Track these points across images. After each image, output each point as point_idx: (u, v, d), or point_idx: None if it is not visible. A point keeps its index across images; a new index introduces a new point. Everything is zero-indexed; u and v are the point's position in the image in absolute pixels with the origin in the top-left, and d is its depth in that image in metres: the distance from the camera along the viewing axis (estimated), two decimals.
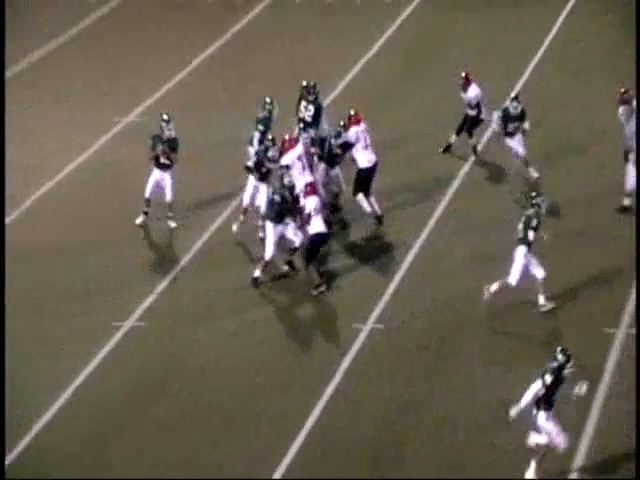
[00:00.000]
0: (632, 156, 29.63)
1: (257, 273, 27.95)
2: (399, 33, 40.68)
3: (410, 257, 28.77)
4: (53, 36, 41.80)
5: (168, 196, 29.87)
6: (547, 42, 38.99)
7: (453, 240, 29.37)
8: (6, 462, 22.58)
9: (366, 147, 29.88)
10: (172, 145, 29.75)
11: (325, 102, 33.86)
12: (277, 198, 27.55)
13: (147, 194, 29.78)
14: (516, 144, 31.04)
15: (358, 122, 29.93)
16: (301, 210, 27.72)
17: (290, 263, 28.27)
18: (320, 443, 23.15)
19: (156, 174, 29.83)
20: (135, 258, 29.34)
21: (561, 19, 40.39)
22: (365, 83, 37.28)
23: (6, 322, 26.65)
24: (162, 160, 29.64)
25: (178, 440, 23.44)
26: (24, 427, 23.92)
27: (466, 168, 32.27)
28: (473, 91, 32.13)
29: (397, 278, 28.09)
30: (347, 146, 29.78)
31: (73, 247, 30.04)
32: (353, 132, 29.81)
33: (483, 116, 32.30)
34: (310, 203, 27.52)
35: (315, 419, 23.76)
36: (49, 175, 32.83)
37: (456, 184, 31.63)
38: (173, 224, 30.06)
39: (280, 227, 27.72)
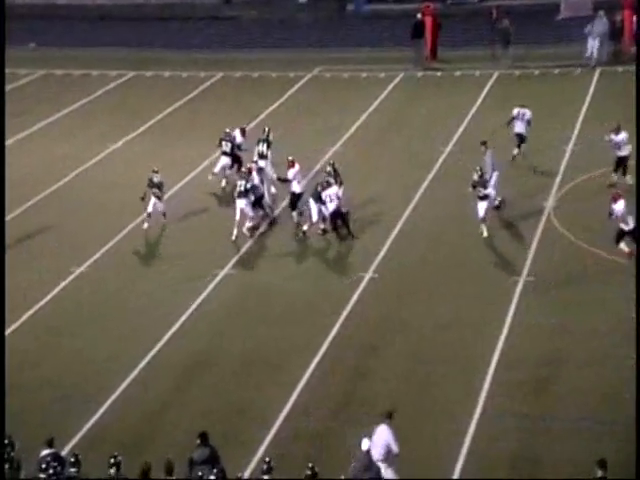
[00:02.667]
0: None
1: (305, 227, 28.22)
2: (387, 99, 40.34)
3: (397, 228, 28.72)
4: (182, 96, 41.31)
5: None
6: (471, 113, 37.70)
7: (425, 218, 29.12)
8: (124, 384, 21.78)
9: (299, 182, 28.88)
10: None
11: (338, 144, 34.56)
12: (319, 189, 28.16)
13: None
14: (482, 206, 27.70)
15: (292, 165, 28.85)
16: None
17: (324, 230, 28.21)
18: (338, 347, 23.35)
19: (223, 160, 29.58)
20: (227, 231, 28.72)
21: (478, 103, 38.82)
22: (362, 133, 36.77)
23: (144, 269, 27.03)
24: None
25: (262, 347, 23.31)
26: (151, 341, 23.56)
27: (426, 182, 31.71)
28: None
29: (388, 242, 27.98)
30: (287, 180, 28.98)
31: (187, 226, 29.55)
32: (291, 173, 28.85)
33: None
34: (331, 190, 27.91)
35: (335, 332, 23.87)
36: (174, 182, 32.22)
37: (422, 189, 31.19)
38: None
39: (318, 204, 28.08)
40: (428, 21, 43.78)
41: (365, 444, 17.60)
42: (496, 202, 29.00)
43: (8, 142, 36.32)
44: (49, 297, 26.38)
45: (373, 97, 40.53)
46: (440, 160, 33.67)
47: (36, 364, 23.34)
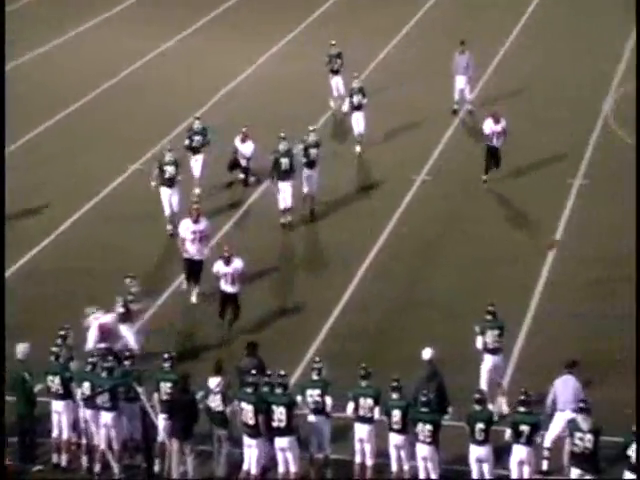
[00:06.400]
0: None
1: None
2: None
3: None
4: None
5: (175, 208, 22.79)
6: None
7: None
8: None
9: None
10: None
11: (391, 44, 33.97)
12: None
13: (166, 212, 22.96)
14: None
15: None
16: None
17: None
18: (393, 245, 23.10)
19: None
20: None
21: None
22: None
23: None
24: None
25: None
26: None
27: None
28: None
29: (440, 145, 27.69)
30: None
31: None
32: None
33: None
34: None
35: (388, 231, 23.70)
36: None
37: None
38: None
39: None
40: None
41: (427, 353, 16.97)
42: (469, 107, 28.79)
43: (77, 30, 36.39)
44: (108, 189, 26.38)
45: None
46: (498, 56, 32.76)
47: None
